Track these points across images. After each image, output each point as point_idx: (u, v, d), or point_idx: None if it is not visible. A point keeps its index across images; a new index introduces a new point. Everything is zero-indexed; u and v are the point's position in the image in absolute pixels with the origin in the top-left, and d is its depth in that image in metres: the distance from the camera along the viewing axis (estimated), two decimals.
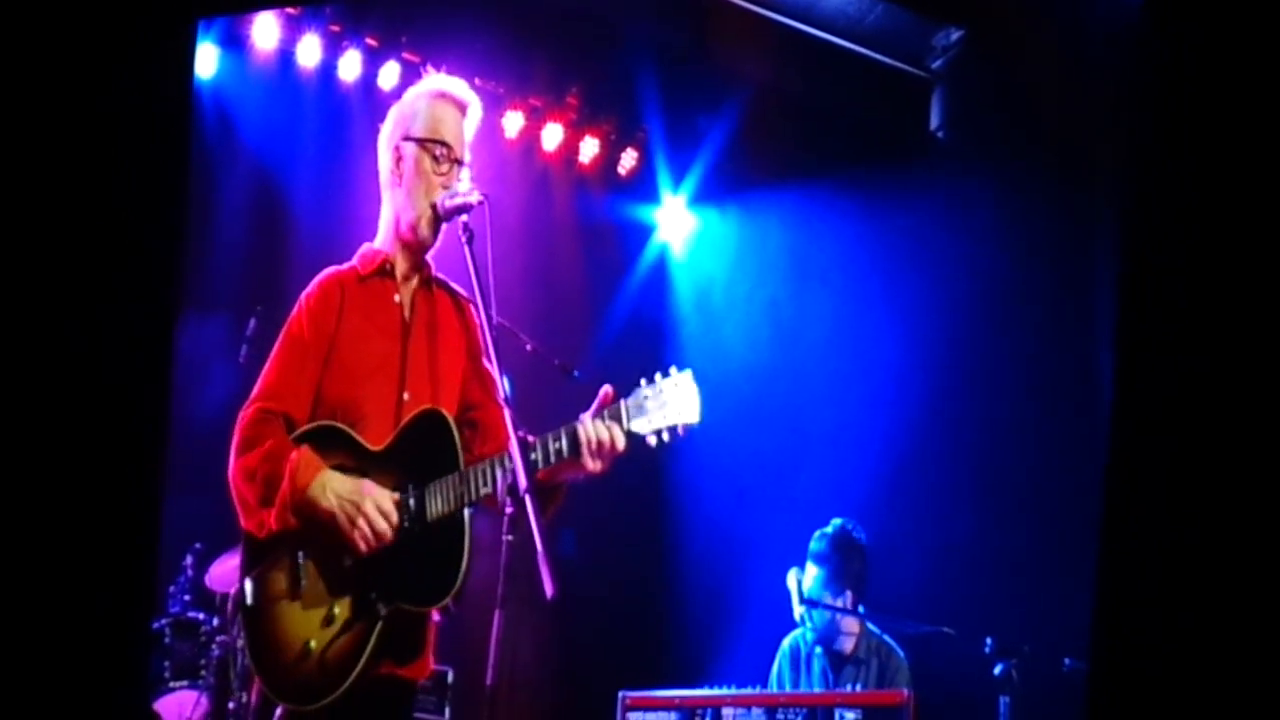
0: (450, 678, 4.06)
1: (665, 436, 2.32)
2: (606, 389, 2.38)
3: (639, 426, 2.32)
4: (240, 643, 3.89)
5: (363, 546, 2.33)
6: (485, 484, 2.31)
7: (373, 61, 4.71)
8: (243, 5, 3.33)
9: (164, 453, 2.12)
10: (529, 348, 2.71)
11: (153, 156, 2.04)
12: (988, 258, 4.69)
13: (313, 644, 2.33)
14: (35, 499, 1.92)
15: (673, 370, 2.36)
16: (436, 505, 2.35)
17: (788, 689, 3.90)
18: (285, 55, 4.63)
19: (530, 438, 2.38)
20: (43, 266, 1.92)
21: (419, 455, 2.39)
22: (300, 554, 2.38)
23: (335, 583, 2.36)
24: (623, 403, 2.35)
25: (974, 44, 5.05)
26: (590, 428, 2.32)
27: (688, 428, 2.32)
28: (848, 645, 3.99)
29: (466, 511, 2.33)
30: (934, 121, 5.25)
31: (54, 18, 1.94)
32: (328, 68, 4.69)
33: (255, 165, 4.47)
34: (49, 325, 1.94)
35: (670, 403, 2.32)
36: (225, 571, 3.98)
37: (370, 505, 2.33)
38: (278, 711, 2.31)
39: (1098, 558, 1.52)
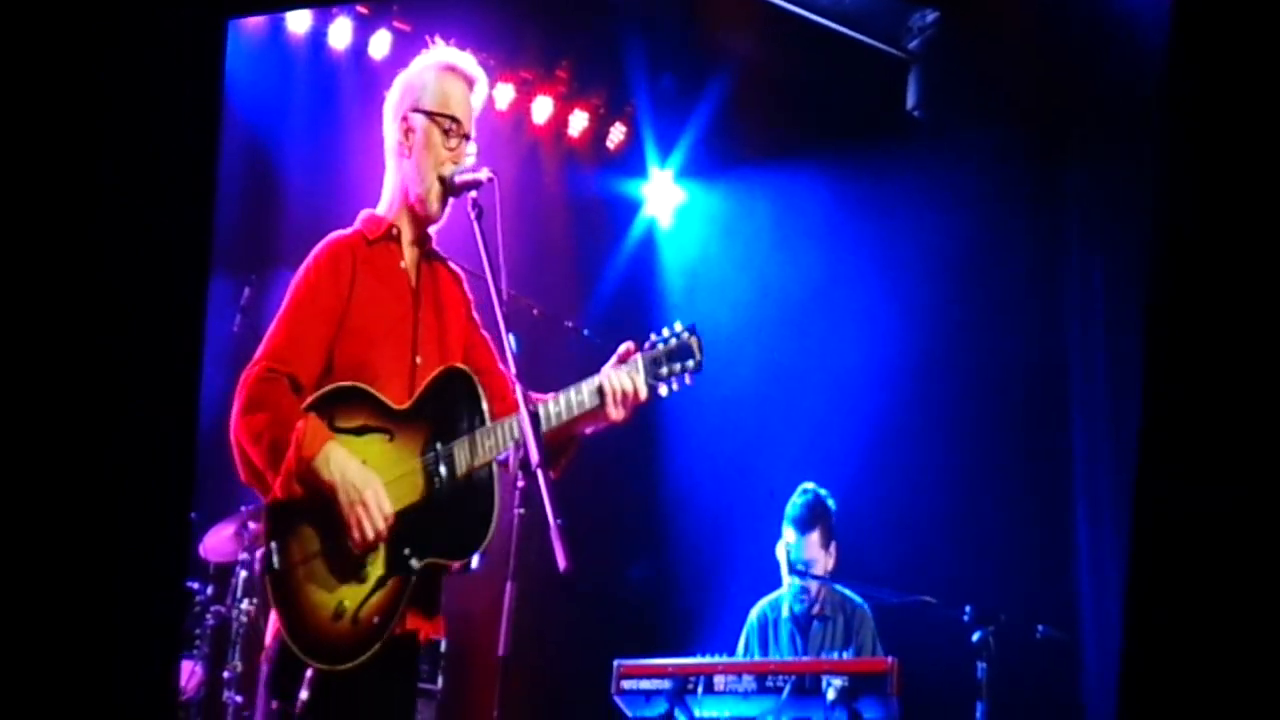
0: (443, 646, 4.10)
1: (675, 386, 2.50)
2: (628, 344, 2.53)
3: (652, 378, 2.48)
4: (238, 610, 3.92)
5: (356, 535, 2.35)
6: (515, 434, 2.38)
7: (363, 29, 4.66)
8: (272, 5, 3.29)
9: (194, 431, 2.14)
10: (536, 312, 2.80)
11: (182, 157, 2.05)
12: (964, 234, 4.79)
13: (346, 603, 2.36)
14: (71, 472, 1.94)
15: (678, 324, 2.53)
16: (466, 459, 2.41)
17: (756, 657, 4.01)
18: (275, 22, 4.57)
19: (548, 395, 2.48)
20: (74, 261, 1.93)
21: (446, 411, 2.44)
22: (328, 515, 2.39)
23: None
24: (639, 357, 2.49)
25: (948, 25, 5.12)
26: (615, 378, 2.46)
27: (694, 375, 2.50)
28: (814, 606, 4.10)
29: (495, 466, 2.41)
30: (910, 101, 5.32)
31: (84, 20, 1.93)
32: (318, 35, 4.63)
33: (245, 133, 4.41)
34: (82, 311, 1.96)
35: (678, 354, 2.50)
36: (219, 541, 3.97)
37: (371, 495, 2.35)
38: (307, 674, 2.32)
39: (1130, 539, 1.59)
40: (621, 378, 2.46)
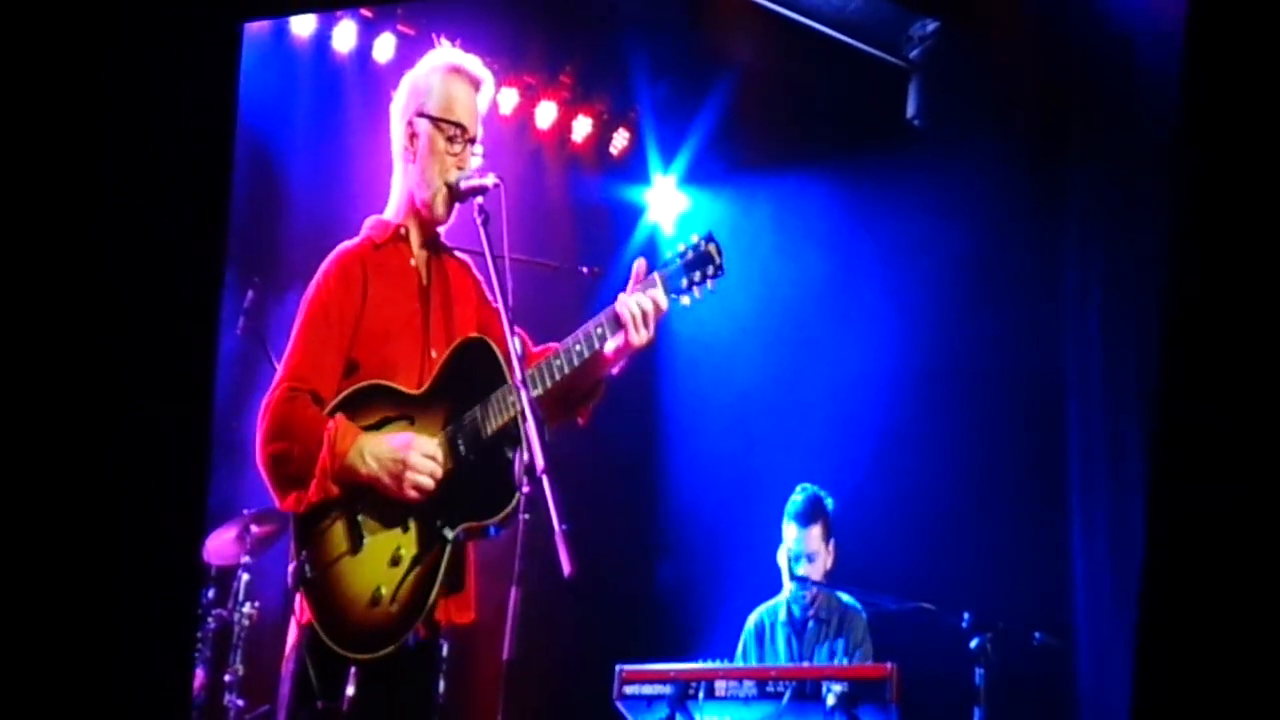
0: (445, 650, 4.12)
1: (697, 294, 2.50)
2: (640, 263, 2.54)
3: (673, 291, 2.49)
4: (239, 614, 3.93)
5: (415, 495, 2.39)
6: (537, 384, 2.41)
7: (367, 32, 4.66)
8: (285, 8, 3.30)
9: (209, 433, 2.15)
10: (555, 267, 2.90)
11: (197, 161, 2.06)
12: (963, 242, 4.82)
13: (383, 589, 2.39)
14: (84, 475, 1.95)
15: (694, 236, 2.54)
16: (489, 421, 2.43)
17: (752, 663, 4.04)
18: (278, 24, 4.56)
19: (564, 341, 2.49)
20: (90, 265, 1.95)
21: (465, 383, 2.47)
22: (356, 509, 2.42)
23: (396, 524, 2.42)
24: (656, 274, 2.50)
25: (948, 35, 5.15)
26: (630, 302, 2.46)
27: (716, 281, 2.50)
28: (809, 609, 4.13)
29: (519, 420, 2.37)
30: (910, 109, 5.35)
31: (96, 22, 1.95)
32: (322, 38, 4.63)
33: (248, 135, 4.40)
34: (92, 315, 1.97)
35: (697, 263, 2.50)
36: (221, 544, 3.97)
37: (414, 455, 2.39)
38: (351, 670, 2.34)
39: (1145, 538, 1.59)
40: (637, 298, 2.46)
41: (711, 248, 2.51)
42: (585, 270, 3.39)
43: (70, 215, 1.91)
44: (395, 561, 2.39)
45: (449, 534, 2.39)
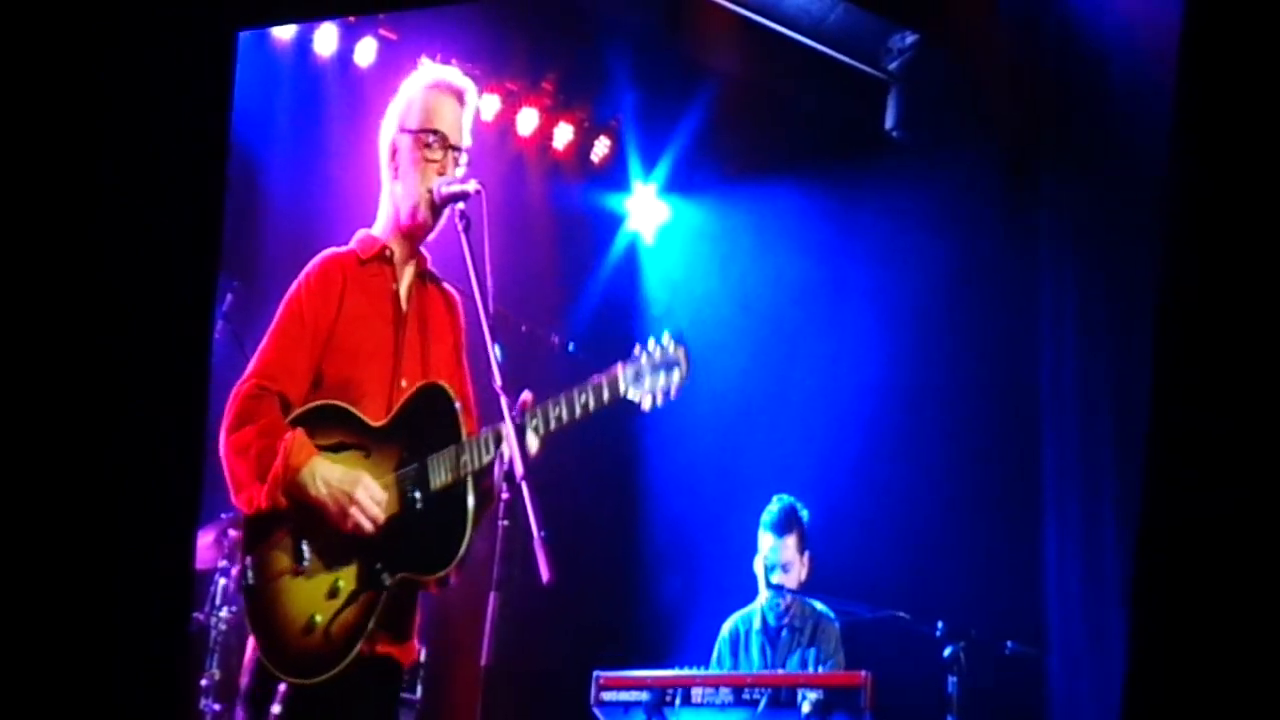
0: (422, 656, 4.11)
1: (659, 400, 2.42)
2: (525, 396, 2.42)
3: (634, 395, 2.41)
4: (216, 618, 3.91)
5: (354, 531, 2.39)
6: (488, 451, 2.36)
7: (349, 36, 4.65)
8: (282, 16, 3.30)
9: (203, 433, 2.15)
10: (524, 328, 2.82)
11: (193, 161, 2.06)
12: (941, 252, 4.87)
13: (318, 618, 2.39)
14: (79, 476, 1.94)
15: (665, 335, 2.46)
16: (440, 476, 2.41)
17: (727, 670, 4.06)
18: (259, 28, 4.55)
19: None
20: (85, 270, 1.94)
21: (420, 429, 2.45)
22: (303, 530, 2.42)
23: (339, 556, 2.41)
24: (620, 368, 2.43)
25: (927, 48, 5.21)
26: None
27: (680, 389, 2.42)
28: (783, 617, 4.17)
29: (470, 481, 2.39)
30: (889, 121, 5.39)
31: (92, 29, 1.94)
32: (303, 41, 4.62)
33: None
34: (99, 312, 1.97)
35: (662, 365, 2.42)
36: (199, 549, 3.94)
37: (362, 493, 2.38)
38: (280, 688, 2.35)
39: (1137, 545, 1.59)
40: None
41: (680, 352, 2.41)
42: (555, 339, 3.35)
43: (70, 215, 1.90)
44: (333, 594, 2.39)
45: (386, 580, 2.38)
